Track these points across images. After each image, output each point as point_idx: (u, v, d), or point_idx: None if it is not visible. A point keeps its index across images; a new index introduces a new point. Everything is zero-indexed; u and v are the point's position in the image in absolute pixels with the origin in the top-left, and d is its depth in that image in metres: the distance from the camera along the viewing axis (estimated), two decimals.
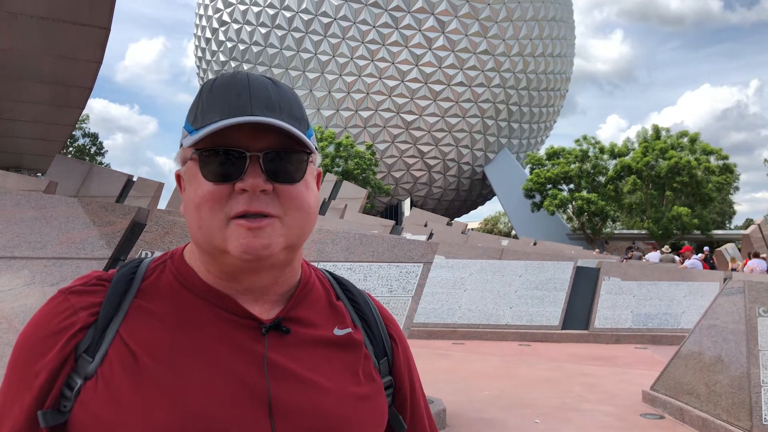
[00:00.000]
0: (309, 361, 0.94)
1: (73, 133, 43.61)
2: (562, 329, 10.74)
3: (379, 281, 5.27)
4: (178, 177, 0.97)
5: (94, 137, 53.76)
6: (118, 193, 11.92)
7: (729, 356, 5.66)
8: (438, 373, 7.64)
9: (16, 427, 0.87)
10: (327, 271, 1.09)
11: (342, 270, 5.04)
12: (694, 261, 18.45)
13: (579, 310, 10.95)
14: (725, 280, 10.46)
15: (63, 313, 0.90)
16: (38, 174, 20.18)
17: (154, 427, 0.83)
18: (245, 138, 0.88)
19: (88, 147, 52.76)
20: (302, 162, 0.91)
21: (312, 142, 0.93)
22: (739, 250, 26.95)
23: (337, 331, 0.99)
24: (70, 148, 49.46)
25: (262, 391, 0.88)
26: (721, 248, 27.07)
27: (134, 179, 12.50)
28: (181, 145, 0.94)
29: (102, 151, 54.17)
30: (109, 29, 9.06)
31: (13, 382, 0.89)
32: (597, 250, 28.05)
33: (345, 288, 1.08)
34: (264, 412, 0.87)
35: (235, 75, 0.92)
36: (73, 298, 0.91)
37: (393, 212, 48.34)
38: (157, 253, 1.03)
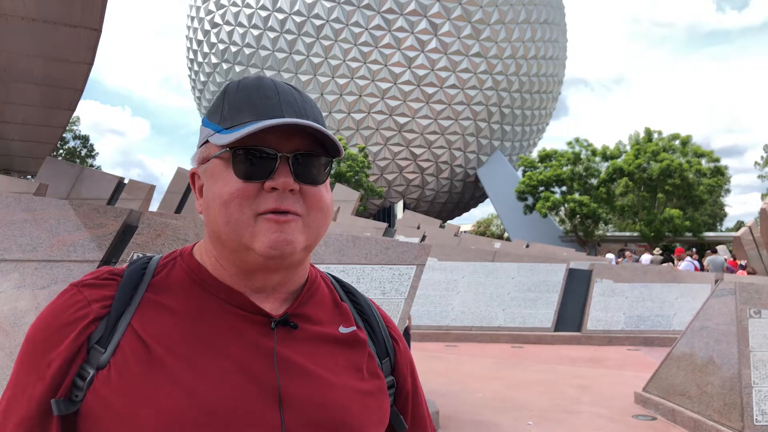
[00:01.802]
0: (316, 357, 0.96)
1: (64, 135, 43.43)
2: (554, 331, 10.75)
3: (372, 283, 5.26)
4: (193, 175, 1.00)
5: (84, 139, 53.50)
6: (109, 195, 11.87)
7: (720, 357, 5.69)
8: (431, 375, 7.63)
9: (28, 416, 0.88)
10: (330, 274, 1.13)
11: (334, 272, 5.02)
12: (688, 263, 18.51)
13: (571, 312, 10.97)
14: (717, 281, 10.51)
15: (76, 305, 0.91)
16: (28, 176, 20.08)
17: (166, 416, 0.85)
18: (275, 139, 0.91)
19: (78, 149, 52.50)
20: (326, 165, 0.96)
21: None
22: (731, 252, 27.11)
23: (343, 329, 1.02)
24: (61, 151, 49.21)
25: (271, 383, 0.91)
26: (712, 250, 27.20)
27: (125, 182, 12.44)
28: (205, 143, 0.97)
29: (93, 154, 53.93)
30: (101, 31, 9.03)
31: (25, 372, 0.90)
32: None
33: (347, 290, 1.11)
34: (273, 404, 0.90)
35: (261, 78, 0.96)
36: (86, 290, 0.93)
37: (386, 215, 48.35)
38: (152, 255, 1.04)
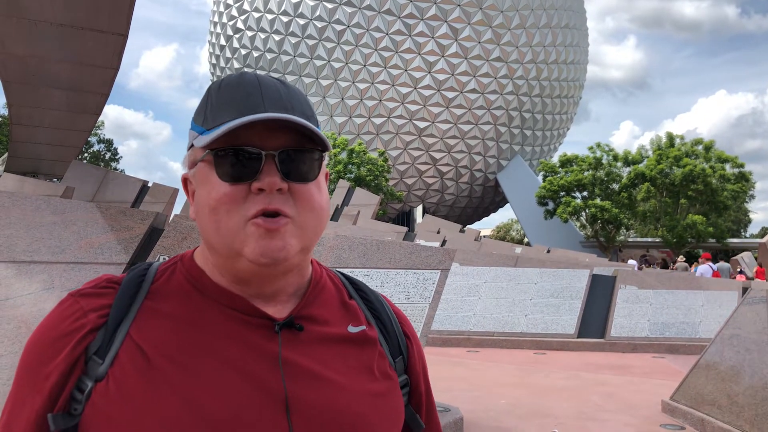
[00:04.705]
0: (324, 359, 0.92)
1: (89, 138, 44.01)
2: (577, 338, 10.63)
3: (396, 288, 5.24)
4: (185, 180, 0.96)
5: (109, 143, 54.30)
6: (133, 198, 11.99)
7: (751, 366, 5.57)
8: (454, 381, 7.58)
9: (27, 431, 0.86)
10: (339, 271, 1.08)
11: (359, 276, 5.01)
12: (704, 267, 18.26)
13: (595, 319, 10.84)
14: (745, 289, 10.33)
15: (72, 316, 0.89)
16: (54, 179, 20.38)
17: (168, 428, 0.82)
18: (259, 137, 0.87)
19: (103, 153, 53.29)
20: (316, 161, 0.91)
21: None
22: (756, 258, 26.65)
23: (351, 329, 0.98)
24: (85, 154, 49.96)
25: (277, 389, 0.87)
26: (737, 257, 26.79)
27: (149, 185, 12.56)
28: (191, 147, 0.93)
29: (117, 157, 54.72)
30: (127, 36, 9.15)
31: (23, 385, 0.88)
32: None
33: (357, 287, 1.06)
34: (281, 410, 0.86)
35: (244, 75, 0.91)
36: (82, 300, 0.90)
37: (405, 219, 48.33)
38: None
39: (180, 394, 0.84)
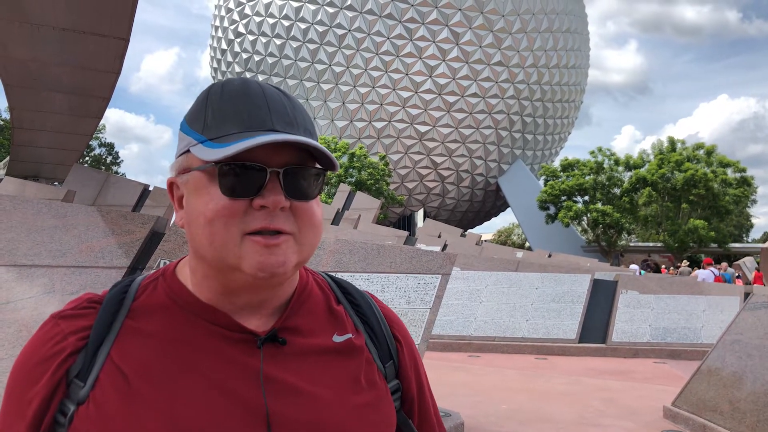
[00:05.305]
0: (307, 372, 0.91)
1: (90, 142, 44.07)
2: (579, 343, 10.61)
3: (397, 292, 5.23)
4: (172, 184, 0.93)
5: (110, 147, 54.37)
6: (134, 202, 11.98)
7: (753, 372, 5.55)
8: (455, 386, 7.56)
9: None
10: (327, 274, 1.06)
11: (359, 280, 5.01)
12: (705, 272, 18.20)
13: (596, 324, 10.82)
14: (747, 294, 10.31)
15: (53, 339, 0.88)
16: (55, 183, 20.40)
17: None
18: (264, 152, 0.85)
19: (104, 156, 53.35)
20: (318, 178, 0.90)
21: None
22: (758, 263, 26.62)
23: (337, 338, 0.96)
24: (87, 158, 50.03)
25: (259, 407, 0.86)
26: (739, 261, 26.76)
27: (150, 189, 12.55)
28: (186, 152, 0.89)
29: (118, 161, 54.78)
30: (128, 40, 9.17)
31: (9, 411, 0.88)
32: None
33: (345, 291, 1.05)
34: (262, 428, 0.85)
35: (247, 83, 0.89)
36: (63, 323, 0.89)
37: (406, 223, 48.30)
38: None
39: (161, 414, 0.83)
